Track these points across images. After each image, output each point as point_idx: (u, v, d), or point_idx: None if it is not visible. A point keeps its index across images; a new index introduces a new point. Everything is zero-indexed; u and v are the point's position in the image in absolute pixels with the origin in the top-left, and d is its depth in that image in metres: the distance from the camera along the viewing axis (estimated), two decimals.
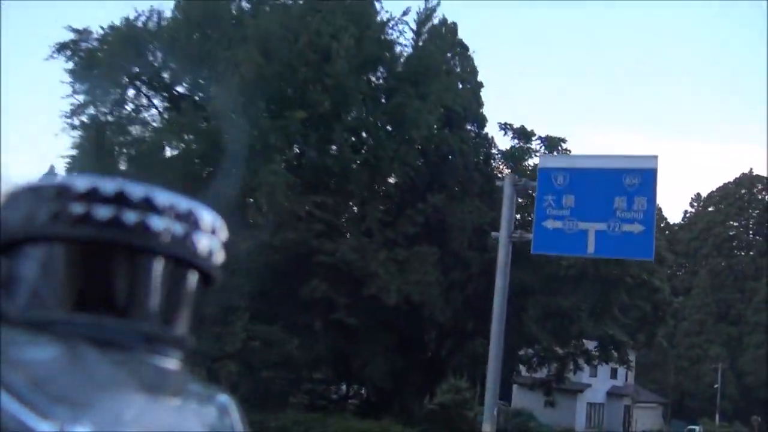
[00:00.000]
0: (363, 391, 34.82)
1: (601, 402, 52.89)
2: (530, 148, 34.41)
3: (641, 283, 31.60)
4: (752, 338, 70.09)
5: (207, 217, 0.49)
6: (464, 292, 30.69)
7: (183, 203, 0.47)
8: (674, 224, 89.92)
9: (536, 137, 34.09)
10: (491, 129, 35.30)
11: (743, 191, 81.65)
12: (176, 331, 0.48)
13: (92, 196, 0.45)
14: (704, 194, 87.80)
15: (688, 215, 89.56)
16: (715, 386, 67.85)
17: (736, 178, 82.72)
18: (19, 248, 0.47)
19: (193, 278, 0.49)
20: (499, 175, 34.83)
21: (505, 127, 32.83)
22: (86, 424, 0.38)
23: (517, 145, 34.34)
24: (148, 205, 0.45)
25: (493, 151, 34.98)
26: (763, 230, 78.81)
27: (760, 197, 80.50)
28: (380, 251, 24.95)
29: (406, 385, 30.58)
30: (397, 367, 28.75)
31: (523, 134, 34.13)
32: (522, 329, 38.07)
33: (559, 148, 33.79)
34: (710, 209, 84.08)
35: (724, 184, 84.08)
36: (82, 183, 0.45)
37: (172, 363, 0.47)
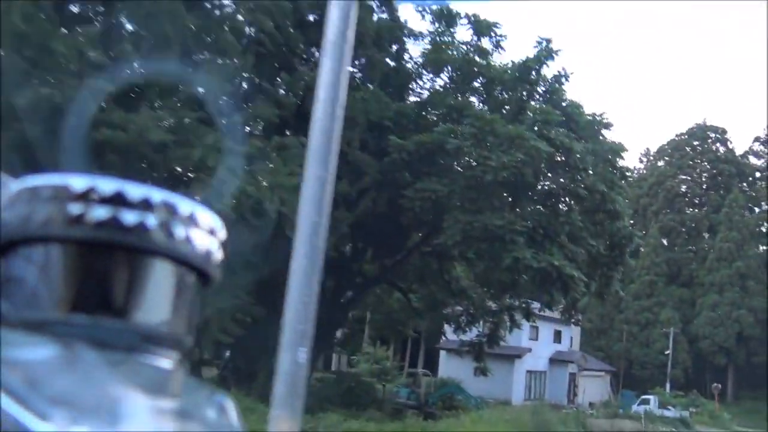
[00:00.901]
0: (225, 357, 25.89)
1: (542, 370, 45.13)
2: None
3: (598, 201, 23.30)
4: (706, 300, 63.80)
5: (205, 216, 0.48)
6: (354, 211, 21.80)
7: (181, 203, 0.47)
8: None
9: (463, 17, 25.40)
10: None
11: (695, 143, 75.22)
12: (174, 331, 0.48)
13: (90, 196, 0.45)
14: (655, 150, 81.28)
15: (637, 171, 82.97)
16: (666, 353, 61.40)
17: (689, 129, 76.24)
18: (16, 249, 0.47)
19: (191, 278, 0.49)
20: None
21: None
22: (85, 425, 0.38)
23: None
24: (146, 205, 0.45)
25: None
26: (717, 184, 72.54)
27: (714, 148, 74.16)
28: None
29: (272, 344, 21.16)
30: (254, 318, 19.61)
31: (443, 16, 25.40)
32: (443, 278, 29.60)
33: (492, 34, 25.17)
34: (660, 164, 77.53)
35: (676, 135, 77.55)
36: (79, 183, 0.45)
37: (170, 363, 0.47)
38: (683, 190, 73.79)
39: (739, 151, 75.03)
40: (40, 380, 0.39)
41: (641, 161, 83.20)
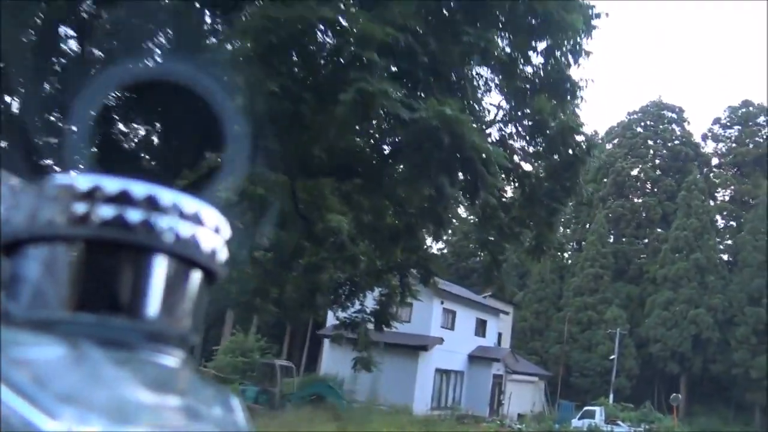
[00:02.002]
0: None
1: (458, 369, 34.39)
2: None
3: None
4: (658, 297, 54.54)
5: (211, 215, 0.48)
6: None
7: (187, 201, 0.47)
8: None
9: None
10: None
11: (649, 122, 66.44)
12: (180, 329, 0.48)
13: (95, 195, 0.45)
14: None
15: None
16: (611, 357, 51.85)
17: (642, 107, 67.48)
18: (22, 248, 0.47)
19: (196, 276, 0.49)
20: None
21: None
22: (94, 423, 0.38)
23: None
24: (151, 204, 0.46)
25: None
26: (672, 168, 63.80)
27: (670, 129, 65.48)
28: None
29: None
30: None
31: None
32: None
33: None
34: (609, 146, 68.50)
35: (628, 114, 68.71)
36: (84, 182, 0.46)
37: (176, 361, 0.47)
38: (634, 174, 64.82)
39: (696, 135, 66.68)
40: (47, 379, 0.40)
41: None
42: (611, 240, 63.05)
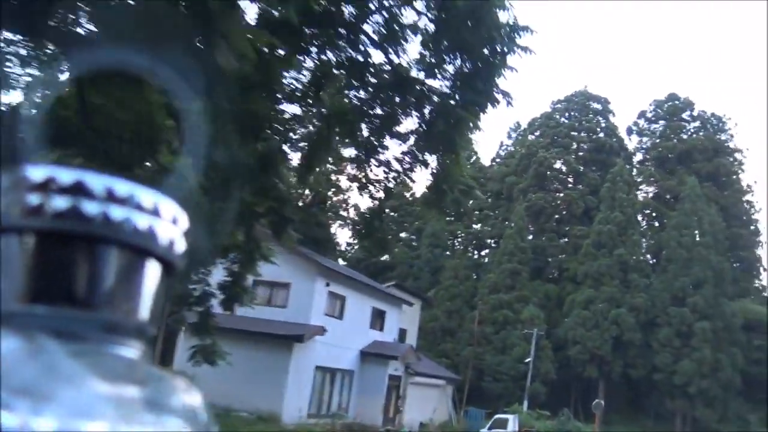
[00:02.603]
0: None
1: (347, 367, 28.37)
2: None
3: None
4: (578, 295, 50.32)
5: (168, 207, 0.48)
6: None
7: (144, 193, 0.47)
8: (491, 164, 69.87)
9: None
10: None
11: (574, 113, 62.69)
12: (137, 320, 0.48)
13: (49, 186, 0.44)
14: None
15: (505, 149, 69.74)
16: (527, 360, 47.16)
17: (566, 96, 63.71)
18: None
19: (154, 268, 0.49)
20: None
21: None
22: (48, 416, 0.37)
23: None
24: (107, 195, 0.45)
25: None
26: (596, 160, 60.14)
27: (595, 120, 61.87)
28: None
29: None
30: None
31: None
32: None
33: None
34: (531, 137, 64.43)
35: (552, 103, 64.84)
36: (38, 173, 0.45)
37: (134, 353, 0.47)
38: (557, 166, 60.82)
39: (621, 128, 63.37)
40: (2, 372, 0.39)
41: (510, 137, 70.11)
42: (531, 236, 58.78)
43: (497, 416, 32.24)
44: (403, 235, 71.66)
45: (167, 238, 0.48)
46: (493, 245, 63.24)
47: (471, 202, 73.89)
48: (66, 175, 0.45)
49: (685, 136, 60.37)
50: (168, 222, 0.48)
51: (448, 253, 64.42)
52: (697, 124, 61.27)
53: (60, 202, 0.44)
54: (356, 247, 74.36)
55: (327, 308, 26.42)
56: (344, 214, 56.15)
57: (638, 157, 62.65)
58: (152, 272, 0.49)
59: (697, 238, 48.15)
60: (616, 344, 47.68)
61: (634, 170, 61.56)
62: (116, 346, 0.46)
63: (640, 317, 47.77)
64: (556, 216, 59.51)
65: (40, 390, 0.39)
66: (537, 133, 64.17)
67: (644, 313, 47.93)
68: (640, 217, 58.39)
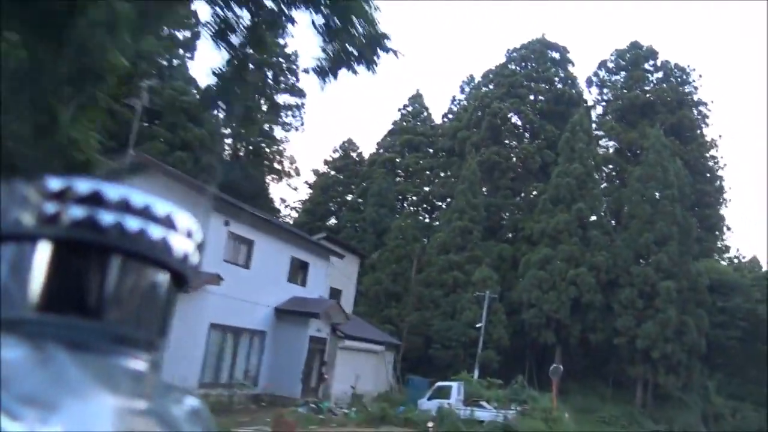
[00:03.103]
0: None
1: (256, 328, 23.31)
2: None
3: None
4: (534, 254, 46.14)
5: (183, 219, 0.48)
6: None
7: (159, 205, 0.46)
8: (440, 122, 65.16)
9: None
10: None
11: (531, 63, 58.16)
12: (147, 333, 0.47)
13: (66, 195, 0.44)
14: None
15: (457, 103, 65.04)
16: (478, 326, 42.92)
17: (522, 45, 59.10)
18: None
19: (166, 280, 0.48)
20: None
21: None
22: (55, 425, 0.37)
23: None
24: (123, 206, 0.44)
25: None
26: (554, 112, 55.83)
27: (553, 70, 57.46)
28: None
29: None
30: None
31: None
32: None
33: None
34: (485, 89, 59.77)
35: (507, 52, 60.16)
36: (55, 182, 0.44)
37: (142, 365, 0.47)
38: (511, 117, 56.35)
39: (581, 79, 59.15)
40: (10, 379, 0.38)
41: (463, 91, 65.41)
42: (484, 194, 54.39)
43: (439, 384, 27.75)
44: (349, 198, 66.88)
45: (181, 250, 0.47)
46: (444, 207, 58.81)
47: (421, 161, 69.40)
48: (83, 185, 0.44)
49: (647, 88, 56.49)
50: (182, 234, 0.47)
51: (398, 216, 59.88)
52: (660, 75, 57.44)
53: (76, 212, 0.43)
54: (296, 209, 69.19)
55: (227, 253, 21.32)
56: (278, 167, 50.81)
57: (598, 110, 58.63)
58: (164, 284, 0.48)
59: (662, 192, 44.26)
60: (575, 307, 43.71)
61: (594, 125, 57.51)
62: (125, 358, 0.45)
63: (600, 277, 43.83)
64: (512, 173, 55.20)
65: (47, 400, 0.38)
66: (491, 86, 59.56)
67: (605, 273, 44.01)
68: (601, 176, 54.52)
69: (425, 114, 67.39)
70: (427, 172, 63.35)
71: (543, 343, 44.14)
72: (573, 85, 57.14)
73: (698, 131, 55.63)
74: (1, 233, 0.45)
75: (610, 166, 54.69)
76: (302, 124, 48.55)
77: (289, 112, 48.04)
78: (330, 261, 29.06)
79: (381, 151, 66.90)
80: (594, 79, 58.47)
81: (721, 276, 51.98)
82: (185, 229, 0.48)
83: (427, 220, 60.62)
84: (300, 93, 48.14)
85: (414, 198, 63.74)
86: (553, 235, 45.22)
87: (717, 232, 55.44)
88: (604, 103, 58.01)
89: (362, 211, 61.33)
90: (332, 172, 70.62)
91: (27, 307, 0.44)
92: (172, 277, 0.49)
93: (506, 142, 55.61)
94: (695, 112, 56.45)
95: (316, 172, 72.34)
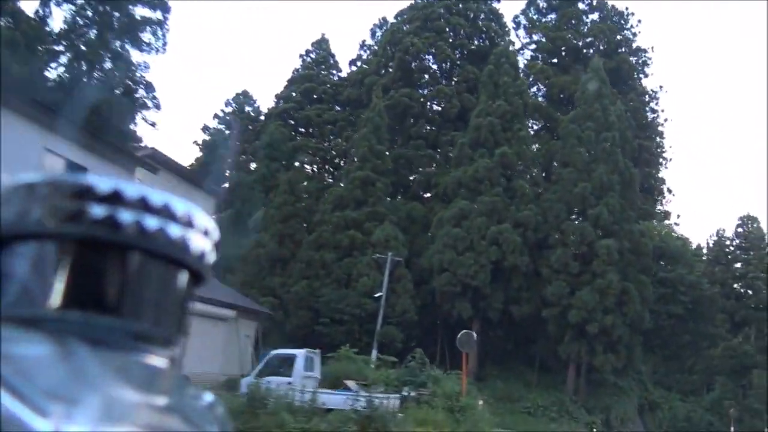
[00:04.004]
0: None
1: None
2: None
3: None
4: (447, 211, 37.70)
5: (201, 218, 0.49)
6: None
7: (178, 204, 0.47)
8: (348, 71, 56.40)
9: None
10: None
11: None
12: (166, 330, 0.49)
13: (86, 194, 0.45)
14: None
15: (366, 48, 56.29)
16: (379, 294, 34.26)
17: None
18: (11, 245, 0.47)
19: (184, 278, 0.50)
20: None
21: None
22: (81, 421, 0.38)
23: None
24: (142, 205, 0.46)
25: None
26: (476, 53, 47.60)
27: (476, 5, 49.15)
28: None
29: None
30: None
31: None
32: None
33: None
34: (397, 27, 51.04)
35: None
36: (76, 180, 0.46)
37: (161, 362, 0.48)
38: (429, 59, 47.85)
39: (507, 19, 51.21)
40: (35, 375, 0.40)
41: (374, 35, 56.57)
42: (395, 144, 45.82)
43: (273, 353, 18.72)
44: (243, 158, 57.24)
45: (199, 249, 0.48)
46: (345, 159, 49.93)
47: (323, 114, 60.27)
48: (103, 184, 0.45)
49: (582, 30, 49.10)
50: (200, 233, 0.48)
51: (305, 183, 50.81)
52: (595, 16, 50.19)
53: (97, 210, 0.44)
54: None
55: None
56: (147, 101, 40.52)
57: (527, 55, 50.84)
58: (182, 282, 0.49)
59: (601, 134, 36.63)
60: (496, 272, 35.53)
61: (521, 73, 49.68)
62: (144, 355, 0.46)
63: (527, 235, 35.82)
64: (426, 120, 46.72)
65: (71, 395, 0.39)
66: (406, 27, 50.92)
67: (533, 231, 36.03)
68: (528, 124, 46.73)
69: (331, 61, 58.37)
70: (330, 126, 54.25)
71: (457, 317, 35.76)
72: (498, 22, 49.13)
73: (638, 80, 48.66)
74: (22, 232, 0.46)
75: (538, 115, 46.90)
76: (164, 45, 38.58)
77: (148, 28, 38.10)
78: (156, 174, 19.55)
79: (280, 103, 57.56)
80: (522, 19, 50.66)
81: (661, 242, 45.15)
82: (203, 228, 0.49)
83: (331, 180, 51.62)
84: (162, 5, 38.16)
85: (315, 157, 54.64)
86: (472, 186, 36.91)
87: (656, 195, 48.67)
88: (533, 48, 50.27)
89: (254, 172, 51.83)
90: (224, 129, 60.99)
91: (47, 305, 0.45)
92: (189, 275, 0.50)
93: (420, 83, 47.02)
94: (634, 59, 49.49)
95: (205, 128, 62.30)
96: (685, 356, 53.98)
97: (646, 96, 49.29)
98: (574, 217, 35.51)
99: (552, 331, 35.46)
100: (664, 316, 44.24)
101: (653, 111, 49.31)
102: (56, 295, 0.45)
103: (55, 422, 0.37)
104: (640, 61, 49.32)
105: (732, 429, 51.19)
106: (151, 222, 0.46)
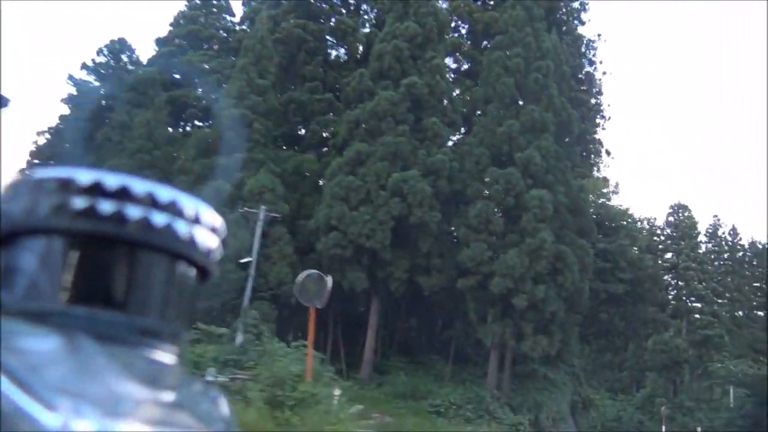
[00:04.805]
0: None
1: None
2: None
3: None
4: (340, 160, 29.58)
5: (208, 214, 0.50)
6: None
7: (185, 200, 0.48)
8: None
9: None
10: None
11: None
12: (173, 325, 0.49)
13: (95, 190, 0.46)
14: None
15: None
16: (245, 260, 25.84)
17: None
18: (19, 240, 0.48)
19: (191, 274, 0.50)
20: None
21: None
22: (89, 415, 0.39)
23: None
24: (150, 201, 0.46)
25: None
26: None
27: None
28: None
29: None
30: None
31: None
32: None
33: None
34: None
35: None
36: (85, 177, 0.46)
37: (168, 357, 0.48)
38: None
39: None
40: (43, 369, 0.40)
41: None
42: (287, 89, 37.47)
43: None
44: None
45: (206, 245, 0.49)
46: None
47: (210, 62, 51.53)
48: (111, 180, 0.46)
49: None
50: (207, 229, 0.49)
51: (171, 129, 41.80)
52: None
53: (105, 206, 0.45)
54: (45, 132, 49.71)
55: None
56: None
57: None
58: (189, 278, 0.50)
59: (532, 64, 29.28)
60: (399, 231, 27.60)
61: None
62: (152, 350, 0.47)
63: (439, 185, 28.04)
64: (324, 59, 38.50)
65: (78, 389, 0.39)
66: None
67: (447, 179, 28.29)
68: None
69: (223, 2, 49.79)
70: (218, 75, 45.39)
71: (350, 290, 27.59)
72: None
73: (573, 24, 41.86)
74: (30, 227, 0.46)
75: (459, 54, 39.37)
76: None
77: None
78: None
79: (160, 49, 48.60)
80: None
81: (600, 211, 38.40)
82: (210, 225, 0.49)
83: (200, 125, 42.96)
84: None
85: (199, 113, 45.71)
86: (372, 126, 28.92)
87: (592, 157, 41.96)
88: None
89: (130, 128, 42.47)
90: (96, 82, 51.58)
91: (55, 300, 0.46)
92: (196, 271, 0.50)
93: (317, 12, 38.78)
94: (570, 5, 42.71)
95: (71, 78, 52.50)
96: (619, 346, 47.69)
97: (583, 45, 42.55)
98: (498, 163, 27.92)
99: (470, 308, 27.76)
100: (603, 295, 37.42)
101: (591, 63, 42.63)
102: (63, 290, 0.46)
103: (64, 416, 0.38)
104: (577, 5, 42.54)
105: (663, 428, 47.80)
106: (159, 218, 0.46)
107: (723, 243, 70.34)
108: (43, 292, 0.46)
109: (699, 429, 47.77)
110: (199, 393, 0.50)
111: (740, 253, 70.64)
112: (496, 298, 26.38)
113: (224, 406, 0.51)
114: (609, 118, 38.71)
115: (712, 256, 68.61)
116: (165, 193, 0.47)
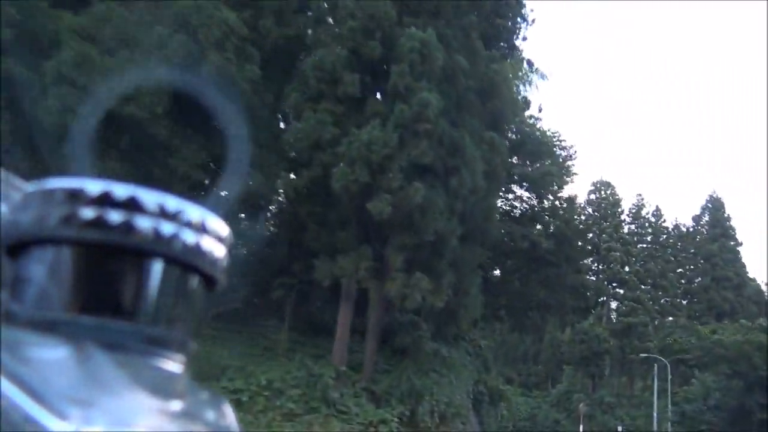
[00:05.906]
0: None
1: None
2: None
3: None
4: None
5: (215, 223, 0.50)
6: None
7: (193, 210, 0.49)
8: None
9: None
10: None
11: None
12: (180, 334, 0.50)
13: (104, 200, 0.46)
14: None
15: None
16: None
17: None
18: (28, 250, 0.48)
19: (198, 283, 0.51)
20: None
21: None
22: (98, 424, 0.39)
23: None
24: (159, 211, 0.47)
25: None
26: None
27: None
28: None
29: None
30: None
31: None
32: None
33: None
34: None
35: None
36: (94, 187, 0.47)
37: (175, 366, 0.49)
38: None
39: None
40: (54, 378, 0.40)
41: None
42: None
43: None
44: None
45: (213, 254, 0.49)
46: None
47: None
48: (121, 190, 0.46)
49: None
50: (214, 238, 0.49)
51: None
52: None
53: (114, 217, 0.45)
54: None
55: None
56: None
57: None
58: (196, 287, 0.50)
59: None
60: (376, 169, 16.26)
61: None
62: (159, 359, 0.47)
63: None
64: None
65: (88, 398, 0.40)
66: None
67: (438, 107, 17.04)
68: None
69: None
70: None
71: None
72: None
73: None
74: (41, 237, 0.46)
75: None
76: None
77: None
78: None
79: None
80: None
81: (523, 127, 28.22)
82: (216, 233, 0.50)
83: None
84: None
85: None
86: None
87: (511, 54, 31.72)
88: None
89: None
90: None
91: (64, 309, 0.46)
92: (203, 280, 0.50)
93: None
94: None
95: None
96: (539, 325, 38.06)
97: None
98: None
99: (309, 229, 16.67)
100: (521, 246, 27.12)
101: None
102: (72, 300, 0.46)
103: (74, 425, 0.38)
104: None
105: (581, 428, 44.43)
106: (167, 228, 0.46)
107: (646, 224, 63.83)
108: (52, 301, 0.46)
109: (620, 428, 45.33)
110: (206, 401, 0.49)
111: (663, 236, 64.08)
112: (344, 205, 15.37)
113: (230, 415, 0.50)
114: (533, 21, 28.47)
115: (636, 239, 61.97)
116: (172, 202, 0.47)
